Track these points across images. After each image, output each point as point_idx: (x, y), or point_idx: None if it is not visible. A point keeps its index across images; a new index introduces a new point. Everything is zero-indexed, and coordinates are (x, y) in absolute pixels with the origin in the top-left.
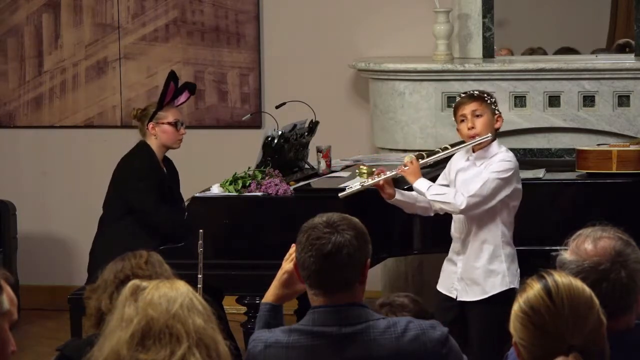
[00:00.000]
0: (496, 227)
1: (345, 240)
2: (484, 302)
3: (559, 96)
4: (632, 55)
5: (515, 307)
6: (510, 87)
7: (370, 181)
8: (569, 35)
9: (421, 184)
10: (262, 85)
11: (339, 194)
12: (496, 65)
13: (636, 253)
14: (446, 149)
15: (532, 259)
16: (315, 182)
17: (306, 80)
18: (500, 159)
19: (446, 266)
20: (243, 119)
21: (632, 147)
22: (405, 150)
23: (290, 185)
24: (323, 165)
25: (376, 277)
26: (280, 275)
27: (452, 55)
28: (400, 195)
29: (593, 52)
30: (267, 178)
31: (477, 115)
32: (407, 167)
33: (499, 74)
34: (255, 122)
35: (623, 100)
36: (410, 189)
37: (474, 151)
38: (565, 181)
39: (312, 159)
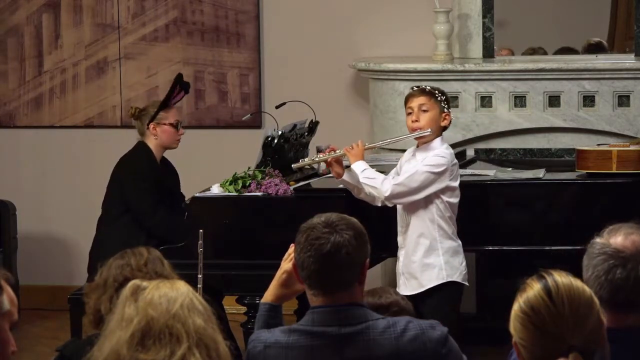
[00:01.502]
0: (432, 222)
1: (344, 240)
2: (421, 295)
3: (559, 96)
4: (632, 55)
5: (515, 307)
6: (510, 87)
7: (321, 156)
8: (569, 35)
9: (358, 165)
10: (262, 85)
11: (292, 165)
12: (496, 65)
13: None
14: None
15: (532, 259)
16: (315, 182)
17: (306, 80)
18: (435, 154)
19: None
20: (243, 119)
21: (632, 147)
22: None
23: (290, 185)
24: (323, 165)
25: (376, 277)
26: (279, 275)
27: (452, 55)
28: (348, 177)
29: (588, 47)
30: (267, 178)
31: (424, 110)
32: (352, 149)
33: (499, 74)
34: (255, 122)
35: (623, 100)
36: None
37: (418, 146)
38: (565, 181)
39: None
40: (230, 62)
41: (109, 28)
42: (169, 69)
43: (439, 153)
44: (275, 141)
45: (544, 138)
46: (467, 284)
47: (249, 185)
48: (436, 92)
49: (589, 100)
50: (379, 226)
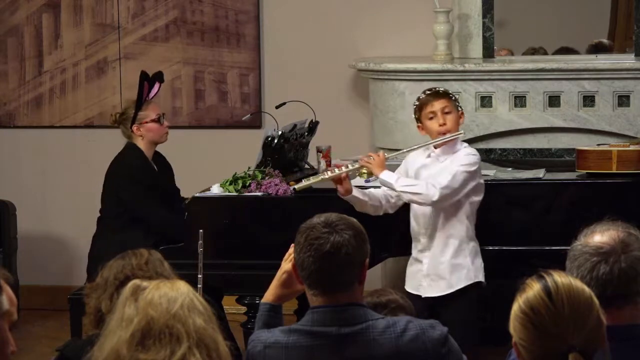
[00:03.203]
0: (460, 222)
1: (344, 240)
2: (450, 296)
3: (559, 96)
4: (632, 55)
5: (515, 308)
6: (510, 87)
7: (329, 174)
8: (569, 35)
9: (388, 175)
10: (262, 85)
11: (294, 186)
12: (496, 65)
13: None
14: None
15: (532, 259)
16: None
17: (306, 80)
18: (466, 153)
19: (411, 265)
20: (243, 119)
21: (632, 147)
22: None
23: (290, 185)
24: (323, 165)
25: (376, 277)
26: (279, 275)
27: (452, 55)
28: (357, 192)
29: (591, 47)
30: (267, 178)
31: (447, 112)
32: (373, 159)
33: (499, 74)
34: (255, 122)
35: (623, 100)
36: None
37: (435, 148)
38: (565, 181)
39: (312, 159)
40: (230, 62)
41: (109, 28)
42: (169, 69)
43: (470, 152)
44: (275, 141)
45: (544, 138)
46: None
47: (249, 185)
48: (450, 93)
49: (589, 100)
50: (379, 226)
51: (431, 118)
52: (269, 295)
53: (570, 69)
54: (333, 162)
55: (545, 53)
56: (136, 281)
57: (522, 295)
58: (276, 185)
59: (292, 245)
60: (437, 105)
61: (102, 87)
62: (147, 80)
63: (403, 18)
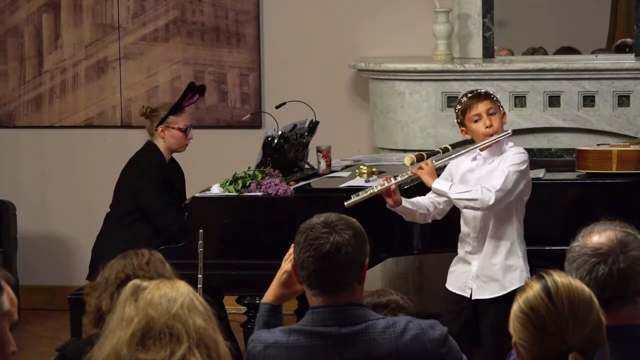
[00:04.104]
0: (512, 223)
1: (344, 240)
2: (502, 299)
3: (559, 96)
4: (632, 55)
5: (515, 308)
6: (510, 87)
7: (379, 187)
8: (569, 35)
9: (441, 184)
10: (262, 85)
11: (345, 203)
12: (496, 65)
13: (639, 244)
14: (447, 149)
15: (532, 259)
16: (315, 182)
17: (306, 80)
18: (515, 152)
19: (457, 266)
20: (243, 119)
21: (632, 147)
22: (405, 150)
23: (290, 185)
24: (323, 165)
25: (376, 277)
26: (279, 275)
27: (452, 55)
28: (406, 202)
29: (593, 52)
30: (267, 178)
31: (491, 114)
32: (422, 169)
33: (499, 74)
34: (255, 122)
35: (623, 100)
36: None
37: (481, 150)
38: (565, 181)
39: (312, 159)
40: (230, 62)
41: (109, 28)
42: (169, 69)
43: (519, 150)
44: (275, 141)
45: (544, 138)
46: None
47: (249, 185)
48: (492, 94)
49: (589, 100)
50: (379, 226)
51: (476, 121)
52: (269, 295)
53: (570, 69)
54: (381, 176)
55: (545, 53)
56: (136, 281)
57: (522, 295)
58: (276, 185)
59: (292, 245)
60: (482, 107)
61: (102, 87)
62: (192, 92)
63: (403, 18)
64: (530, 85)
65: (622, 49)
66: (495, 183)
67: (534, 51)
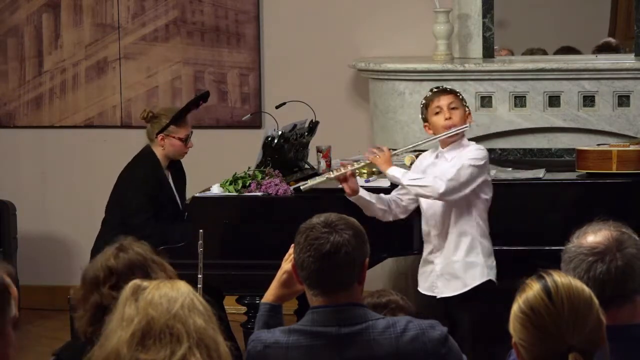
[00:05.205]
0: (471, 220)
1: (344, 239)
2: (464, 295)
3: (559, 96)
4: (632, 55)
5: (515, 308)
6: (510, 87)
7: (335, 173)
8: (569, 35)
9: (395, 171)
10: (262, 85)
11: (301, 187)
12: (496, 65)
13: (635, 242)
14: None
15: (532, 259)
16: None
17: (306, 80)
18: (474, 148)
19: (423, 267)
20: (243, 119)
21: (632, 147)
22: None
23: (290, 185)
24: (323, 165)
25: (376, 277)
26: (279, 275)
27: (452, 55)
28: (363, 193)
29: (594, 52)
30: (267, 178)
31: (453, 108)
32: (377, 156)
33: (499, 74)
34: (255, 122)
35: (623, 100)
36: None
37: (443, 146)
38: (565, 181)
39: (312, 159)
40: (230, 62)
41: (109, 28)
42: (169, 69)
43: (478, 147)
44: (275, 141)
45: (544, 138)
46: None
47: (249, 185)
48: (457, 91)
49: (589, 100)
50: (379, 226)
51: (437, 113)
52: (269, 295)
53: (570, 69)
54: (337, 161)
55: (545, 53)
56: (136, 281)
57: (521, 295)
58: (276, 185)
59: (292, 245)
60: (444, 100)
61: (102, 87)
62: (204, 100)
63: (403, 18)
64: (530, 85)
65: (604, 50)
66: (448, 174)
67: (533, 51)
